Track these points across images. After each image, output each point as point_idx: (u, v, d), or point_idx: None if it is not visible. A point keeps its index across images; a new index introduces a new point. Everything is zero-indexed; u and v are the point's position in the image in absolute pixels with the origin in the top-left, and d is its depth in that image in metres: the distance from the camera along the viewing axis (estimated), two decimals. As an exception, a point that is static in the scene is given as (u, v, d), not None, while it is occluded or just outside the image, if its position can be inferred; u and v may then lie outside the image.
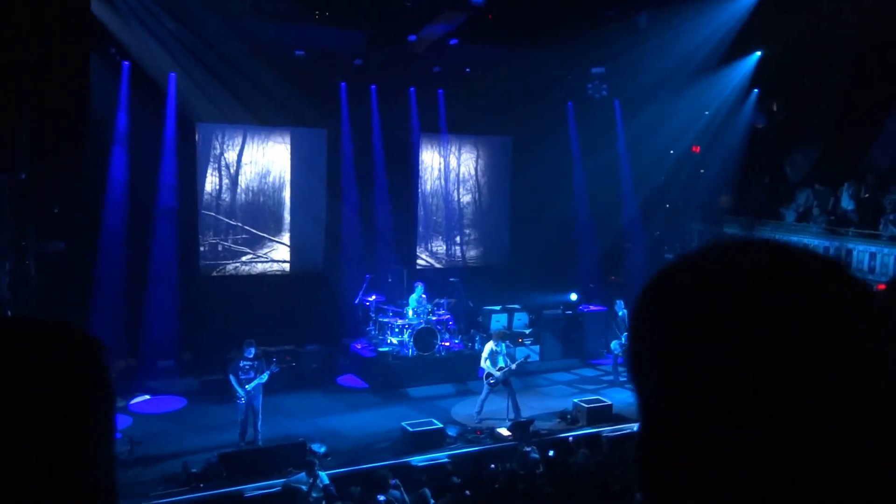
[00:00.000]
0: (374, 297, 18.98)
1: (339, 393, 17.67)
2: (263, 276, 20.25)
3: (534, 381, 18.63)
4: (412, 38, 18.76)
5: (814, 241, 19.11)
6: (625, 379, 16.96)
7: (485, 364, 15.72)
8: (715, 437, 0.92)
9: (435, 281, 19.84)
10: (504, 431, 14.89)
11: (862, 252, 18.05)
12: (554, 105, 21.98)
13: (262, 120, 19.42)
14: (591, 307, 21.19)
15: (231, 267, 19.96)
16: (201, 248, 19.53)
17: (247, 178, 19.98)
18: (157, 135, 18.08)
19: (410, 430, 14.34)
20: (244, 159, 19.89)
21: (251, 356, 14.03)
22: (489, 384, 15.61)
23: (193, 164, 19.11)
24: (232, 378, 13.90)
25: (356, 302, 19.07)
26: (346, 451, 14.12)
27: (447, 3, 17.50)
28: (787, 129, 21.18)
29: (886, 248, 17.59)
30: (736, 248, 1.01)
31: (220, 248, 19.80)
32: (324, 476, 11.88)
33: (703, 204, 22.26)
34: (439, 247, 22.83)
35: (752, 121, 21.59)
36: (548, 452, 13.71)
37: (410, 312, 18.48)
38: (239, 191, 19.90)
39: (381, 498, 11.06)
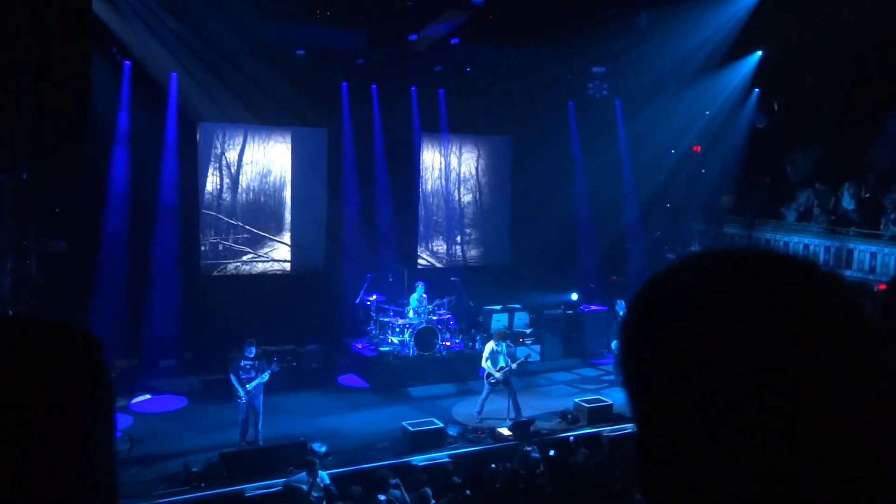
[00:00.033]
0: (374, 296, 18.97)
1: (340, 392, 17.67)
2: (264, 276, 20.25)
3: (534, 380, 18.63)
4: (413, 37, 18.75)
5: (815, 240, 19.13)
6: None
7: (485, 364, 15.72)
8: (718, 437, 0.92)
9: (436, 280, 19.83)
10: (505, 431, 14.89)
11: (863, 252, 18.05)
12: (555, 105, 21.97)
13: (263, 119, 19.42)
14: (592, 307, 21.18)
15: (232, 266, 19.97)
16: (202, 248, 19.53)
17: (248, 177, 19.98)
18: (158, 134, 18.08)
19: (411, 429, 14.34)
20: (245, 159, 19.89)
21: (252, 356, 14.04)
22: (490, 384, 15.61)
23: (194, 164, 19.11)
24: (233, 377, 13.91)
25: (357, 301, 19.07)
26: (347, 450, 14.12)
27: (448, 3, 17.50)
28: (787, 128, 21.16)
29: (887, 247, 17.58)
30: (735, 253, 1.02)
31: (220, 247, 19.80)
32: (324, 476, 11.89)
33: (703, 204, 22.24)
34: (440, 246, 22.83)
35: (752, 120, 21.58)
36: (548, 452, 13.72)
37: (411, 312, 18.49)
38: (240, 190, 19.90)
39: (382, 497, 11.06)
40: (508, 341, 17.31)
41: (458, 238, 22.97)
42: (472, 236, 23.23)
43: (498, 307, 20.49)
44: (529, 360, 18.43)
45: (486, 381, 15.68)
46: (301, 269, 20.51)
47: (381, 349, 18.23)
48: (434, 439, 14.36)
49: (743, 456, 0.91)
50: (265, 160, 20.12)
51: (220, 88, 18.23)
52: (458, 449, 14.35)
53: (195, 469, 12.77)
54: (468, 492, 11.52)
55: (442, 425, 14.70)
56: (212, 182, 19.60)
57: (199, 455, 13.34)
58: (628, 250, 23.23)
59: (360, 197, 20.58)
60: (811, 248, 19.15)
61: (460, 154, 22.89)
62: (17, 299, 13.98)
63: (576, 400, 16.26)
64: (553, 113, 22.05)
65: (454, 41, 19.16)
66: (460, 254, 23.07)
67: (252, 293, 19.21)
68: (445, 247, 22.87)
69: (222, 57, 17.73)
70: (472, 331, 19.76)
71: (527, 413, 15.51)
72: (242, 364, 13.93)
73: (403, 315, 18.62)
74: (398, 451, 14.12)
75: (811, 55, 19.01)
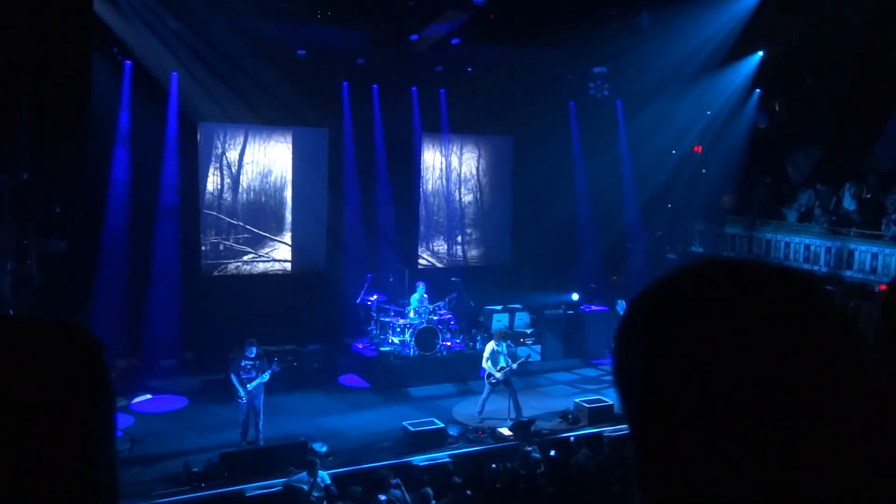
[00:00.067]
0: (375, 296, 18.98)
1: (341, 392, 17.68)
2: (265, 276, 20.26)
3: (535, 380, 18.63)
4: (414, 37, 18.75)
5: (816, 241, 19.12)
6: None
7: (486, 364, 15.73)
8: (717, 445, 0.93)
9: (436, 280, 19.83)
10: (505, 431, 14.89)
11: (864, 252, 18.04)
12: (555, 105, 21.99)
13: (264, 119, 19.43)
14: (593, 307, 21.19)
15: (232, 266, 19.97)
16: (203, 248, 19.54)
17: (248, 177, 19.99)
18: (159, 134, 18.09)
19: (412, 429, 14.35)
20: (246, 158, 19.90)
21: (252, 356, 14.05)
22: (490, 384, 15.61)
23: (195, 164, 19.12)
24: (233, 377, 13.91)
25: (358, 301, 19.07)
26: (348, 450, 14.13)
27: (449, 3, 17.50)
28: (788, 129, 21.16)
29: (888, 248, 17.57)
30: (735, 263, 1.03)
31: (221, 247, 19.81)
32: (325, 476, 11.89)
33: (704, 204, 22.24)
34: (441, 246, 22.83)
35: (754, 121, 21.57)
36: (549, 452, 13.72)
37: (412, 312, 18.49)
38: (240, 190, 19.91)
39: (383, 497, 11.06)
40: (509, 341, 17.33)
41: (459, 238, 22.98)
42: (473, 236, 23.23)
43: (499, 307, 20.50)
44: (530, 360, 18.46)
45: (486, 382, 15.69)
46: (302, 269, 20.52)
47: (382, 349, 18.24)
48: (435, 439, 14.37)
49: (743, 464, 0.92)
50: (266, 160, 20.12)
51: (221, 88, 18.23)
52: (459, 449, 14.35)
53: (196, 469, 12.77)
54: (469, 492, 11.52)
55: (443, 425, 14.71)
56: (212, 182, 19.60)
57: (199, 455, 13.35)
58: (629, 250, 23.23)
59: (360, 197, 20.59)
60: (812, 248, 19.15)
61: (461, 154, 22.89)
62: (18, 299, 13.98)
63: (576, 400, 16.26)
64: (554, 113, 22.06)
65: (455, 41, 19.16)
66: (461, 254, 23.08)
67: (253, 293, 19.22)
68: (446, 247, 22.88)
69: (223, 57, 17.73)
70: (473, 331, 19.77)
71: (527, 413, 15.51)
72: (243, 364, 13.94)
73: (404, 315, 18.63)
74: (399, 451, 14.12)
75: (812, 56, 19.01)
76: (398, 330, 18.49)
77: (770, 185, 21.89)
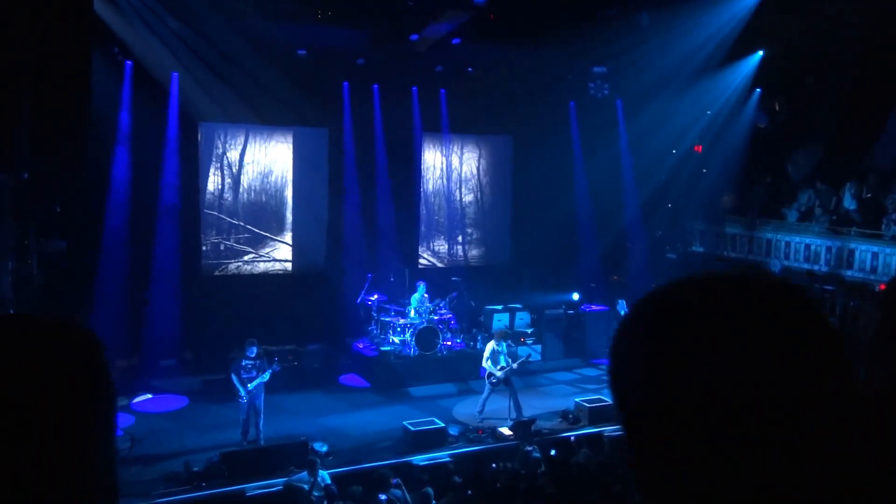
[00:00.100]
0: (375, 296, 18.99)
1: (341, 392, 17.68)
2: (265, 276, 20.26)
3: (535, 380, 18.64)
4: (414, 37, 18.76)
5: (816, 240, 19.12)
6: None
7: (486, 363, 15.73)
8: (717, 445, 0.93)
9: (437, 280, 19.85)
10: (506, 431, 14.90)
11: (864, 252, 18.03)
12: (556, 104, 22.00)
13: (265, 119, 19.43)
14: (593, 307, 21.20)
15: (233, 266, 19.97)
16: (203, 248, 19.54)
17: (249, 177, 19.99)
18: (160, 134, 18.10)
19: (412, 429, 14.35)
20: (246, 158, 19.90)
21: (253, 355, 14.06)
22: (491, 383, 15.62)
23: (196, 164, 19.12)
24: (234, 377, 13.92)
25: (358, 301, 19.08)
26: (348, 450, 14.14)
27: (449, 3, 17.50)
28: (789, 128, 21.15)
29: (889, 247, 17.56)
30: (735, 273, 1.06)
31: (222, 247, 19.81)
32: (325, 475, 11.89)
33: (704, 203, 22.23)
34: (441, 246, 22.83)
35: (754, 120, 21.56)
36: (549, 452, 13.72)
37: (412, 312, 18.50)
38: (241, 190, 19.91)
39: (383, 497, 11.06)
40: (509, 341, 17.33)
41: (460, 238, 22.98)
42: (474, 236, 23.24)
43: (499, 307, 20.51)
44: (530, 359, 18.47)
45: (487, 381, 15.69)
46: (302, 268, 20.52)
47: (383, 349, 18.24)
48: (435, 439, 14.37)
49: (742, 463, 0.92)
50: (266, 160, 20.13)
51: (222, 88, 18.23)
52: (460, 448, 14.36)
53: (196, 468, 12.78)
54: (469, 491, 11.52)
55: (443, 425, 14.71)
56: (213, 182, 19.61)
57: (200, 454, 13.36)
58: (629, 250, 23.23)
59: (361, 197, 20.59)
60: (812, 248, 19.15)
61: (461, 154, 22.89)
62: (18, 299, 13.98)
63: (577, 399, 16.27)
64: (554, 113, 22.07)
65: (455, 41, 19.17)
66: (461, 253, 23.08)
67: (253, 293, 19.22)
68: (447, 246, 22.88)
69: (224, 57, 17.73)
70: (474, 330, 19.77)
71: (528, 413, 15.52)
72: (244, 364, 13.95)
73: (405, 315, 18.64)
74: (399, 450, 14.12)
75: (812, 55, 19.00)
76: (399, 329, 18.49)
77: (770, 185, 21.89)
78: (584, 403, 15.84)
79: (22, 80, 13.93)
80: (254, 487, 12.41)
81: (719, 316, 0.99)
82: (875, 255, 17.79)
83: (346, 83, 20.03)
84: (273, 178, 20.24)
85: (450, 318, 19.06)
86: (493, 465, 12.93)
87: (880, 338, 1.65)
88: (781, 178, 21.84)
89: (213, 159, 19.57)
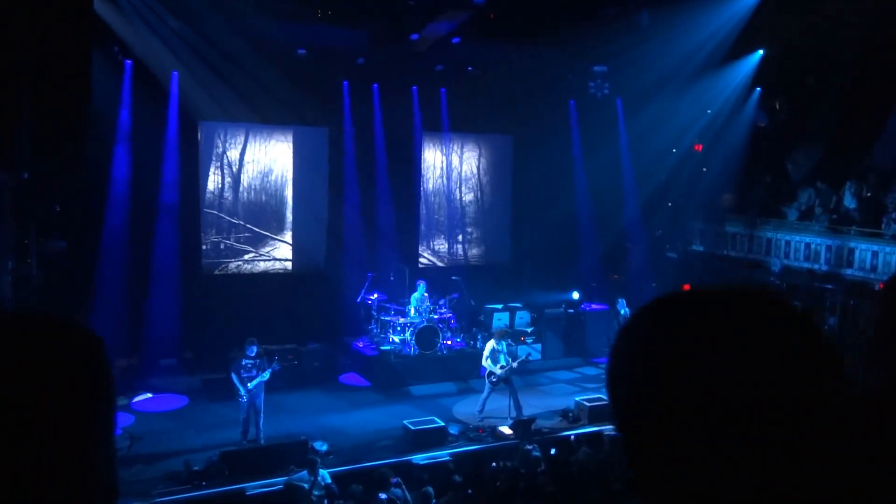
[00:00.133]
0: (375, 295, 18.99)
1: (341, 391, 17.68)
2: (265, 275, 20.26)
3: (535, 379, 18.64)
4: (414, 36, 18.76)
5: (816, 239, 19.11)
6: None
7: (486, 362, 15.73)
8: (718, 442, 0.94)
9: (437, 279, 19.86)
10: (506, 430, 14.90)
11: (864, 251, 18.03)
12: (556, 103, 22.00)
13: (265, 118, 19.42)
14: (593, 306, 21.22)
15: (233, 265, 19.97)
16: (203, 247, 19.53)
17: (249, 176, 19.99)
18: (160, 133, 18.09)
19: (412, 428, 14.35)
20: (246, 158, 19.89)
21: (253, 354, 14.06)
22: (491, 383, 15.62)
23: (196, 163, 19.11)
24: (234, 376, 13.92)
25: (358, 300, 19.08)
26: (348, 449, 14.14)
27: (449, 2, 17.51)
28: (789, 127, 21.15)
29: (888, 246, 17.56)
30: (731, 286, 1.10)
31: (222, 246, 19.81)
32: (325, 474, 11.88)
33: (705, 203, 22.22)
34: (441, 245, 22.83)
35: (754, 119, 21.56)
36: (549, 451, 13.72)
37: (412, 311, 18.50)
38: (241, 189, 19.91)
39: (383, 496, 11.06)
40: (509, 340, 17.33)
41: (460, 237, 22.98)
42: (474, 235, 23.23)
43: (499, 306, 20.50)
44: (530, 358, 18.47)
45: (487, 380, 15.69)
46: (302, 268, 20.52)
47: (383, 348, 18.25)
48: (435, 438, 14.37)
49: (742, 462, 0.93)
50: (266, 159, 20.12)
51: (222, 87, 18.22)
52: (460, 447, 14.36)
53: (196, 468, 12.77)
54: (469, 490, 11.52)
55: (443, 424, 14.71)
56: (213, 181, 19.60)
57: (200, 454, 13.36)
58: (629, 249, 23.23)
59: (361, 196, 20.59)
60: (812, 246, 19.14)
61: (461, 153, 22.89)
62: (18, 298, 13.98)
63: (577, 398, 16.27)
64: (554, 112, 22.07)
65: (455, 40, 19.17)
66: (461, 253, 23.08)
67: (253, 292, 19.22)
68: (447, 246, 22.88)
69: (224, 56, 17.73)
70: (474, 329, 19.77)
71: (528, 412, 15.52)
72: (243, 363, 13.95)
73: (405, 314, 18.64)
74: (399, 449, 14.13)
75: (812, 54, 19.00)
76: (399, 329, 18.49)
77: (770, 184, 21.88)
78: (584, 402, 15.83)
79: (22, 79, 13.93)
80: (254, 487, 12.41)
81: (719, 317, 1.01)
82: (875, 254, 17.78)
83: (346, 82, 20.02)
84: (273, 178, 20.24)
85: (450, 317, 19.06)
86: (494, 463, 12.93)
87: (879, 337, 1.65)
88: (781, 177, 21.83)
89: (213, 158, 19.56)
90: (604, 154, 22.12)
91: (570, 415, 15.88)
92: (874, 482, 0.95)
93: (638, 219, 22.89)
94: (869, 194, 19.52)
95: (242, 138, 19.82)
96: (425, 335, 18.20)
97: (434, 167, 22.54)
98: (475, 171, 23.13)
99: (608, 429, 14.73)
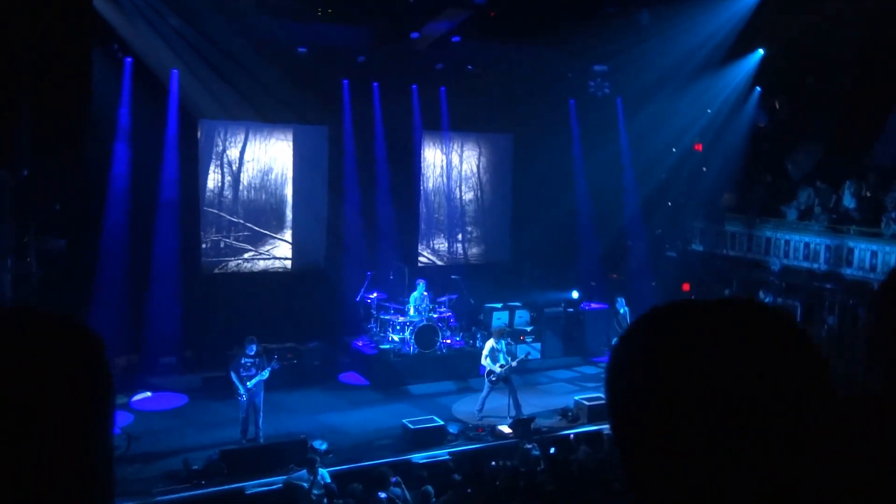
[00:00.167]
0: (375, 294, 18.99)
1: (341, 390, 17.69)
2: (265, 274, 20.25)
3: (535, 378, 18.64)
4: (415, 35, 18.74)
5: (815, 238, 19.10)
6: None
7: (486, 361, 15.73)
8: (718, 437, 0.94)
9: (436, 278, 19.86)
10: (505, 429, 14.91)
11: (864, 250, 18.02)
12: (556, 103, 22.00)
13: (265, 117, 19.41)
14: (593, 305, 21.21)
15: (233, 264, 19.96)
16: (203, 245, 19.53)
17: (249, 175, 19.98)
18: (160, 131, 18.07)
19: (412, 427, 14.36)
20: (246, 156, 19.89)
21: (252, 353, 14.06)
22: (490, 381, 15.62)
23: (195, 161, 19.10)
24: (233, 375, 13.93)
25: (358, 299, 19.09)
26: (348, 448, 14.14)
27: (450, 1, 17.49)
28: (789, 127, 21.14)
29: (888, 246, 17.55)
30: (732, 297, 1.12)
31: (221, 245, 19.80)
32: (325, 473, 11.89)
33: (704, 202, 22.22)
34: (441, 244, 22.83)
35: (754, 119, 21.55)
36: (549, 450, 13.72)
37: (412, 310, 18.50)
38: (241, 188, 19.90)
39: (383, 495, 11.06)
40: (509, 339, 17.33)
41: (459, 236, 22.98)
42: (474, 234, 23.23)
43: (499, 305, 20.49)
44: (530, 357, 18.48)
45: (486, 379, 15.69)
46: (302, 266, 20.51)
47: (382, 347, 18.25)
48: (435, 437, 14.38)
49: (742, 458, 0.92)
50: (266, 158, 20.12)
51: (222, 86, 18.22)
52: (459, 446, 14.37)
53: (196, 466, 12.77)
54: (469, 489, 11.52)
55: (442, 423, 14.72)
56: (213, 179, 19.59)
57: (199, 452, 13.36)
58: (629, 248, 23.23)
59: (361, 195, 20.58)
60: (812, 246, 19.14)
61: (461, 152, 22.89)
62: (18, 297, 13.96)
63: (576, 397, 16.28)
64: (554, 111, 22.07)
65: (455, 39, 19.17)
66: (461, 252, 23.08)
67: (253, 291, 19.21)
68: (446, 244, 22.87)
69: (224, 54, 17.72)
70: (473, 328, 19.78)
71: (527, 411, 15.53)
72: (243, 361, 13.95)
73: (404, 313, 18.64)
74: (399, 448, 14.14)
75: (812, 54, 19.00)
76: (398, 328, 18.49)
77: (770, 183, 21.88)
78: (584, 401, 15.84)
79: (22, 78, 13.91)
80: (253, 485, 12.42)
81: (712, 325, 1.02)
82: (874, 254, 17.77)
83: (346, 81, 20.01)
84: (273, 176, 20.23)
85: (449, 316, 19.06)
86: (493, 462, 12.93)
87: (878, 337, 1.65)
88: (781, 176, 21.83)
89: (213, 157, 19.55)
90: (604, 153, 22.11)
91: (570, 414, 15.89)
92: (874, 481, 0.95)
93: (638, 218, 22.89)
94: (868, 194, 19.53)
95: (242, 137, 19.81)
96: (425, 334, 18.20)
97: (434, 166, 22.54)
98: (475, 169, 23.13)
99: (607, 428, 14.72)
